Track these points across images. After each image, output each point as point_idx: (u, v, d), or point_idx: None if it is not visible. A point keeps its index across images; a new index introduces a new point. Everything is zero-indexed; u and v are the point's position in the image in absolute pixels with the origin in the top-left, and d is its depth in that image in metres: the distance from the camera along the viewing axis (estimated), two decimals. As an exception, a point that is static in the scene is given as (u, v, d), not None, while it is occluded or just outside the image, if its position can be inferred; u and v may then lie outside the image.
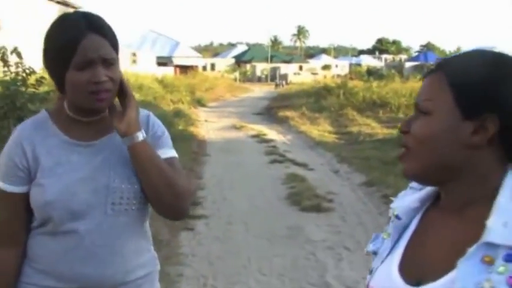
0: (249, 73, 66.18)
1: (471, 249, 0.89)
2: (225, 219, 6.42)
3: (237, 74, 56.85)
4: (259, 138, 14.12)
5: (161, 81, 23.79)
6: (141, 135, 1.52)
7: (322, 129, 15.48)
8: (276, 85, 45.37)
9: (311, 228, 6.10)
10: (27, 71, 8.36)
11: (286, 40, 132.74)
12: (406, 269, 1.01)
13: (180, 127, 14.09)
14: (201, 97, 26.02)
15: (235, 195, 7.67)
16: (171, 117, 14.20)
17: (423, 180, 1.04)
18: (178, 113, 16.09)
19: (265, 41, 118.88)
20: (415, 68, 47.15)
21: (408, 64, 55.02)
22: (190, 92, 24.62)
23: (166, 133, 1.69)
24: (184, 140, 12.40)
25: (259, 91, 40.59)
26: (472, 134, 0.94)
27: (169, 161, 1.61)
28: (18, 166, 1.53)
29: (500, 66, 0.96)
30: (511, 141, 0.95)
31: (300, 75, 57.27)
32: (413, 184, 1.11)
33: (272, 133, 15.27)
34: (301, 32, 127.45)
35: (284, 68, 63.84)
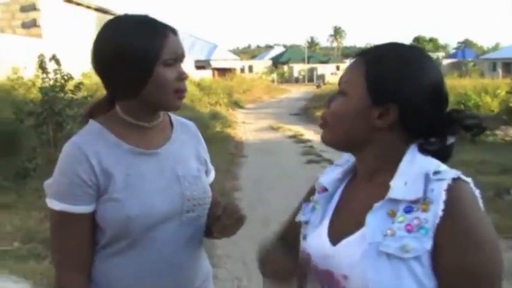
0: (286, 74, 66.30)
1: (377, 204, 1.10)
2: (261, 220, 6.34)
3: (274, 76, 56.94)
4: (296, 138, 14.09)
5: (198, 84, 23.94)
6: None
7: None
8: (317, 86, 46.03)
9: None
10: (65, 77, 8.58)
11: (323, 41, 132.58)
12: (332, 232, 1.19)
13: (217, 129, 14.16)
14: (238, 99, 26.14)
15: (272, 196, 7.62)
16: (207, 119, 14.27)
17: (336, 147, 1.22)
18: (215, 115, 16.16)
19: (302, 42, 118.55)
20: (453, 65, 46.31)
21: (446, 61, 54.27)
22: (228, 94, 24.73)
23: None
24: (222, 142, 12.47)
25: (297, 92, 40.55)
26: (377, 118, 1.14)
27: (212, 184, 1.65)
28: (87, 183, 1.39)
29: (410, 63, 1.14)
30: (409, 126, 1.14)
31: (337, 75, 56.84)
32: (338, 161, 1.33)
33: (309, 133, 15.16)
34: (337, 32, 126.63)
35: (321, 69, 63.81)
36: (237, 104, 24.71)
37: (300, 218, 1.32)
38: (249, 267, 4.78)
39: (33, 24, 15.69)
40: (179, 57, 1.44)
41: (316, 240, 1.21)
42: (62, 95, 8.46)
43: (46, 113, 8.17)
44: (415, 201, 1.06)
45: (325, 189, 1.27)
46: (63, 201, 1.40)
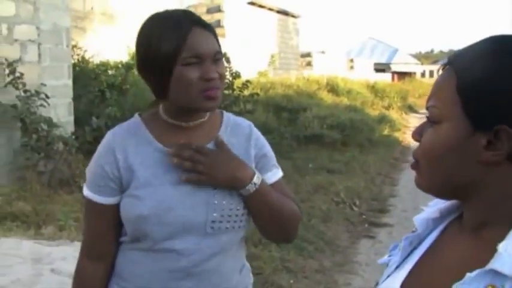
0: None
1: (471, 275, 0.73)
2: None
3: (457, 80, 53.88)
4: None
5: (372, 87, 23.52)
6: (258, 180, 1.41)
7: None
8: None
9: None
10: (234, 74, 9.03)
11: None
12: (408, 286, 0.87)
13: (385, 132, 13.76)
14: (413, 103, 25.15)
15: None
16: (374, 122, 13.92)
17: (436, 195, 0.89)
18: (383, 118, 15.71)
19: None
20: None
21: None
22: (402, 98, 23.90)
23: (270, 149, 1.55)
24: (387, 146, 12.12)
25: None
26: (485, 149, 0.78)
27: (277, 185, 1.51)
28: (109, 176, 1.40)
29: None
30: None
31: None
32: None
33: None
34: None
35: None
36: (411, 108, 23.79)
37: (382, 259, 1.03)
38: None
39: (217, 25, 16.75)
40: (205, 54, 1.33)
41: None
42: (230, 91, 8.90)
43: (212, 109, 8.64)
44: None
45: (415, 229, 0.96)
46: (89, 189, 1.43)
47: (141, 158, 1.39)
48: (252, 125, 1.54)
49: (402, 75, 42.58)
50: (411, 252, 0.94)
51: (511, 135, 0.75)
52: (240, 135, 1.49)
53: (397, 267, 0.94)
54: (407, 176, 9.23)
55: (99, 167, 1.41)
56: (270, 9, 19.45)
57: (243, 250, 1.56)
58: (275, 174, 1.52)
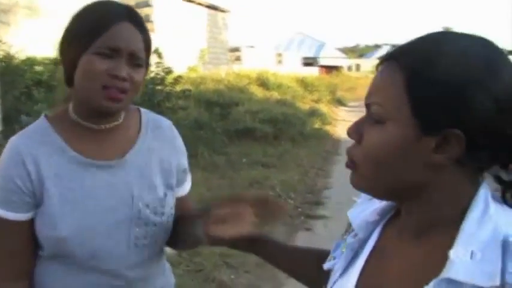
0: (395, 73, 64.80)
1: (427, 287, 0.72)
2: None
3: (382, 74, 55.96)
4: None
5: (302, 81, 23.88)
6: None
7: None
8: None
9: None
10: (166, 70, 8.90)
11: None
12: None
13: (316, 125, 14.00)
14: (342, 96, 25.74)
15: (362, 197, 7.36)
16: (305, 116, 14.15)
17: (375, 197, 0.87)
18: (314, 112, 15.98)
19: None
20: None
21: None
22: (331, 92, 24.43)
23: (186, 154, 1.46)
24: (319, 139, 12.33)
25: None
26: (434, 150, 0.75)
27: (187, 196, 1.46)
28: (22, 189, 1.24)
29: (473, 63, 0.73)
30: (479, 158, 0.75)
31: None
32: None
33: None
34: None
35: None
36: (340, 102, 24.36)
37: (326, 265, 0.99)
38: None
39: (146, 19, 16.42)
40: (121, 50, 1.20)
41: None
42: (162, 87, 8.77)
43: (145, 105, 8.49)
44: None
45: (353, 232, 0.94)
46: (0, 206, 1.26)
47: (54, 170, 1.25)
48: (172, 126, 1.45)
49: (330, 69, 43.50)
50: (354, 255, 0.92)
51: (461, 140, 0.73)
52: (161, 139, 1.39)
53: (341, 274, 0.91)
54: (340, 169, 9.43)
55: (9, 181, 1.24)
56: (199, 3, 19.31)
57: (164, 252, 1.49)
58: (188, 183, 1.47)
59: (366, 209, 0.94)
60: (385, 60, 0.81)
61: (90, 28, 1.21)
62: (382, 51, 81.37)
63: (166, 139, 1.40)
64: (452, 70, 0.73)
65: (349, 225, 0.98)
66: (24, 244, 1.28)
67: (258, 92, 17.08)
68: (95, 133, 1.29)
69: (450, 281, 0.70)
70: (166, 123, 1.43)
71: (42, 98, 7.40)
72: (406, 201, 0.82)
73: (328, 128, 14.72)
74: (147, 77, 8.65)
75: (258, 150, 9.84)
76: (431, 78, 0.73)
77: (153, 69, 8.81)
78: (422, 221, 0.81)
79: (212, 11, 20.47)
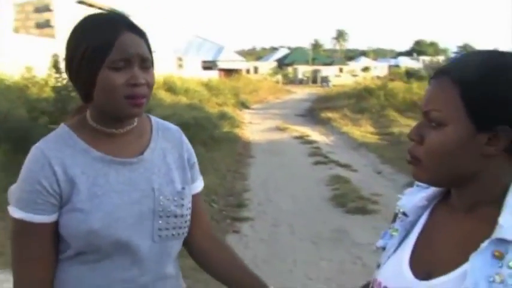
0: (291, 75, 66.49)
1: (484, 244, 0.92)
2: (270, 221, 6.44)
3: (279, 77, 57.14)
4: (303, 139, 14.12)
5: (206, 85, 24.03)
6: None
7: (364, 130, 15.37)
8: (322, 86, 46.80)
9: (356, 231, 6.06)
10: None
11: (327, 43, 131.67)
12: (415, 265, 1.04)
13: (226, 129, 14.21)
14: (245, 99, 26.16)
15: (280, 197, 7.69)
16: (216, 119, 14.34)
17: (435, 186, 1.08)
18: (223, 115, 16.23)
19: (307, 44, 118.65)
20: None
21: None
22: (235, 95, 24.79)
23: (195, 155, 1.58)
24: (230, 142, 12.54)
25: (301, 93, 40.60)
26: (486, 144, 0.95)
27: (199, 195, 1.55)
28: (49, 191, 1.29)
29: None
30: None
31: (341, 77, 57.44)
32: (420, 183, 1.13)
33: (315, 134, 15.24)
34: (340, 35, 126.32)
35: (325, 70, 64.05)
36: (243, 105, 24.74)
37: (379, 243, 1.18)
38: (261, 270, 4.79)
39: (46, 24, 15.83)
40: (133, 58, 1.29)
41: (392, 270, 1.08)
42: (75, 94, 8.56)
43: (59, 112, 8.27)
44: None
45: (404, 214, 1.13)
46: (23, 209, 1.30)
47: (81, 168, 1.33)
48: (180, 130, 1.56)
49: (229, 72, 43.78)
50: (405, 236, 1.12)
51: (509, 134, 0.93)
52: (171, 140, 1.50)
53: (395, 249, 1.11)
54: (255, 171, 9.76)
55: (35, 183, 1.29)
56: (100, 8, 18.84)
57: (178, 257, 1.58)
58: (201, 183, 1.57)
59: (415, 197, 1.14)
60: (436, 75, 1.02)
61: (99, 46, 1.28)
62: (280, 53, 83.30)
63: (176, 140, 1.51)
64: (499, 84, 0.94)
65: (395, 215, 1.18)
66: (47, 249, 1.33)
67: (167, 97, 17.04)
68: (113, 136, 1.39)
69: (498, 241, 0.90)
70: (174, 127, 1.55)
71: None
72: (458, 186, 1.02)
73: (237, 130, 15.01)
74: (60, 84, 8.42)
75: (173, 155, 9.86)
76: (483, 89, 0.94)
77: (65, 75, 8.58)
78: (472, 200, 1.01)
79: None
